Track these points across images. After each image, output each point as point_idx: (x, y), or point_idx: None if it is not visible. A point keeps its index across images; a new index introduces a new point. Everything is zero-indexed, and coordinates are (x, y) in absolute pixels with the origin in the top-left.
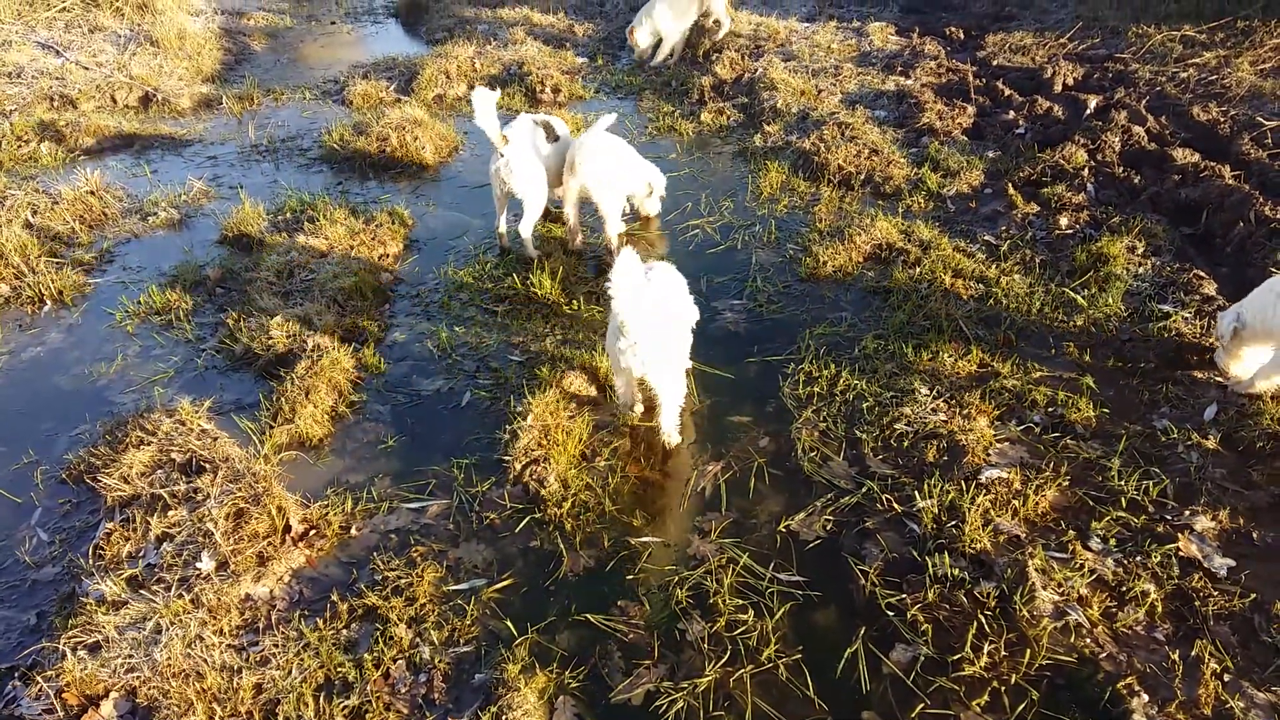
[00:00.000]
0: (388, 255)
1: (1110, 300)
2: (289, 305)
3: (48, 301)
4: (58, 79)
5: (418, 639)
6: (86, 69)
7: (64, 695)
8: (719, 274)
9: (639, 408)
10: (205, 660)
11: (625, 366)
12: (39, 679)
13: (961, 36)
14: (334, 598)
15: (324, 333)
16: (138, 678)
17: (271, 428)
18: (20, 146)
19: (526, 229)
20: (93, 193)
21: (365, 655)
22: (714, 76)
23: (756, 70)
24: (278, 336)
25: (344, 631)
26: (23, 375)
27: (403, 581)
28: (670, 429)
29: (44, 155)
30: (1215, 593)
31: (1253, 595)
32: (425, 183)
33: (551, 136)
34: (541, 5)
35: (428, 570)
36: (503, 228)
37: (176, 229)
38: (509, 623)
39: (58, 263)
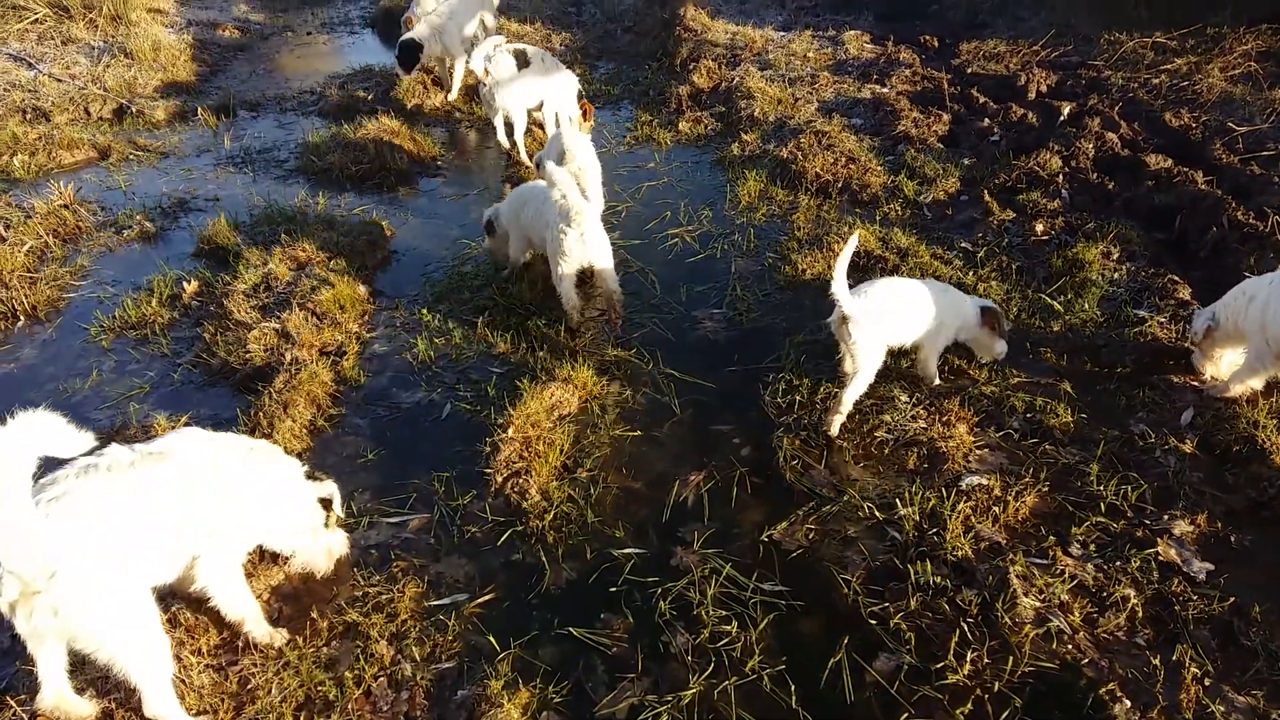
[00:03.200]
0: (366, 266)
1: (1086, 305)
2: (266, 318)
3: (21, 317)
4: (30, 91)
5: (399, 656)
6: (60, 81)
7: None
8: (698, 283)
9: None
10: (184, 680)
11: (577, 258)
12: (13, 703)
13: (936, 45)
14: (314, 614)
15: (302, 346)
16: (114, 699)
17: None
18: None
19: (519, 137)
20: (66, 206)
21: (346, 673)
22: (691, 85)
23: (734, 79)
24: (255, 350)
25: (324, 649)
26: None
27: (383, 597)
28: (618, 296)
29: (17, 168)
30: (1195, 597)
31: (1231, 599)
32: (404, 193)
33: (523, 62)
34: (519, 15)
35: (409, 585)
36: (502, 138)
37: (152, 242)
38: (491, 638)
39: (31, 277)
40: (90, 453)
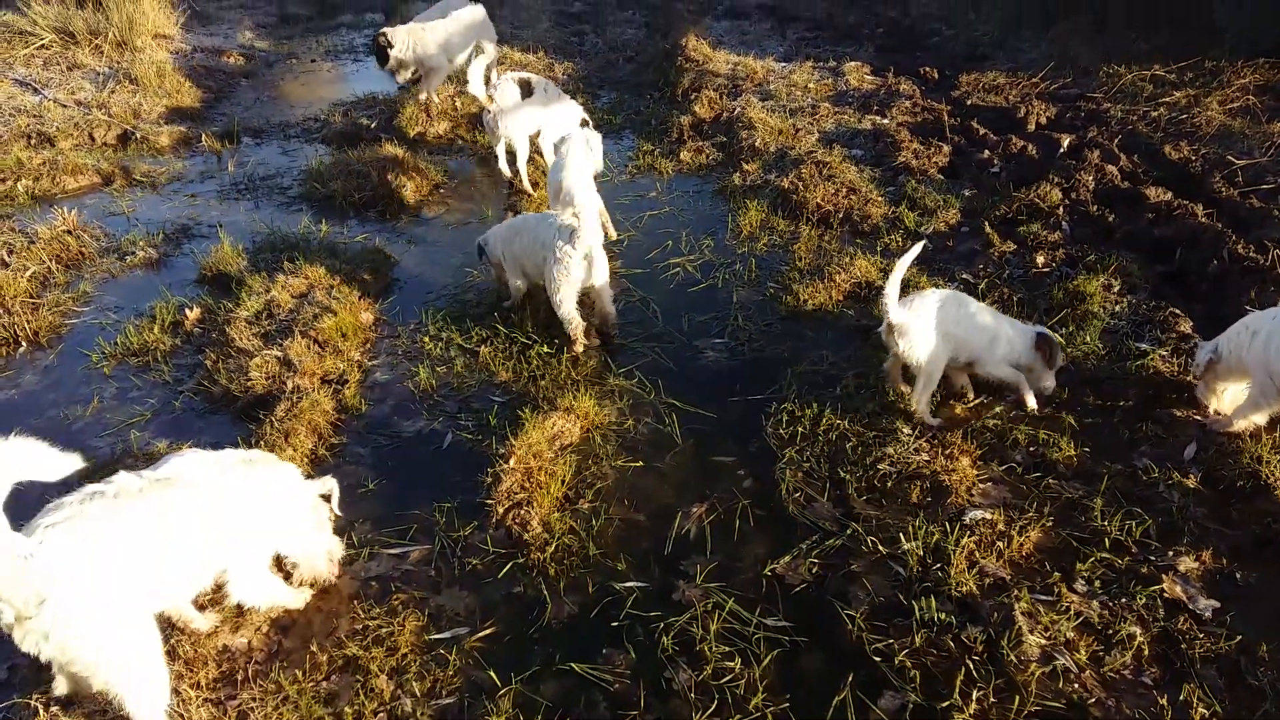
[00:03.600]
0: (368, 294)
1: (1088, 338)
2: (269, 345)
3: (23, 343)
4: (35, 116)
5: (399, 690)
6: (65, 106)
7: None
8: (700, 312)
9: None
10: (182, 715)
11: (578, 277)
12: None
13: (936, 76)
14: (313, 648)
15: (304, 374)
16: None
17: None
18: None
19: (521, 165)
20: (69, 232)
21: (346, 708)
22: (693, 115)
23: (735, 109)
24: (257, 378)
25: (324, 683)
26: None
27: (384, 631)
28: (613, 315)
29: (20, 193)
30: (1201, 635)
31: (1239, 637)
32: (406, 221)
33: (526, 92)
34: (522, 45)
35: (409, 619)
36: (504, 166)
37: (155, 268)
38: (492, 673)
39: (34, 303)
40: (92, 478)
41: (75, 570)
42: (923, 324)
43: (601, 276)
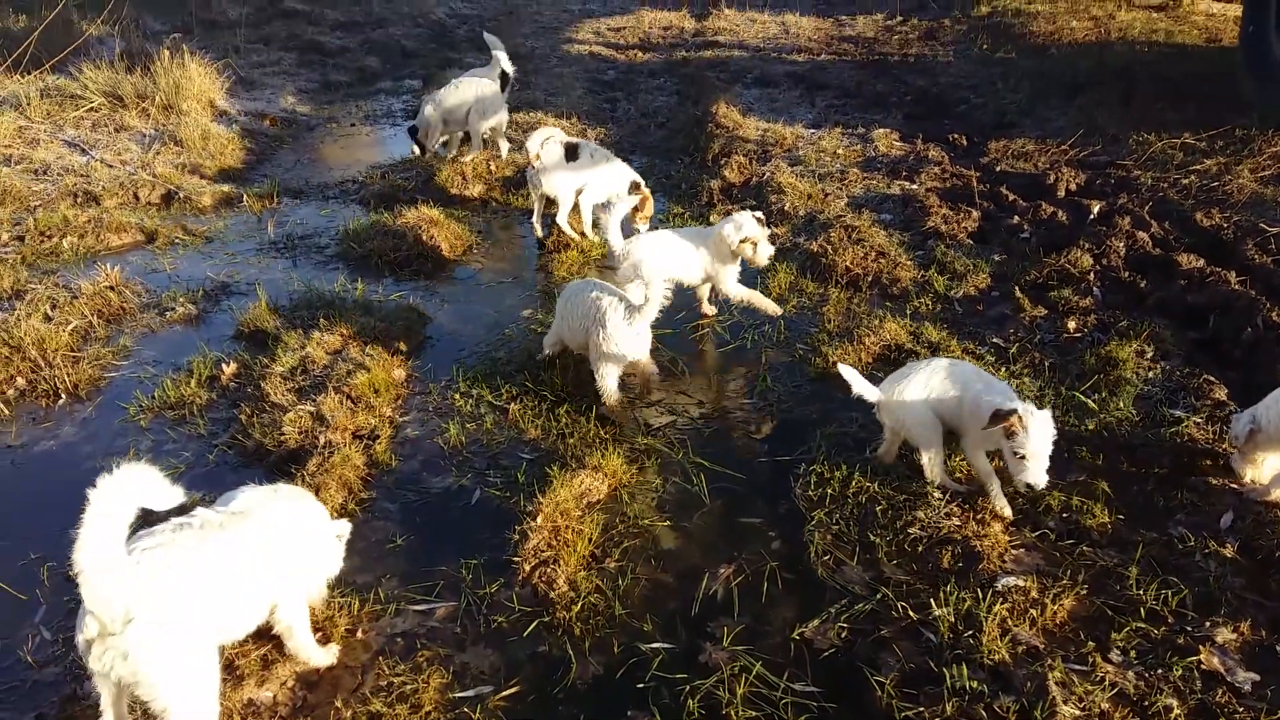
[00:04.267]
0: (401, 351)
1: (1121, 404)
2: (302, 401)
3: (63, 395)
4: (82, 176)
5: None
6: (111, 166)
7: None
8: (728, 373)
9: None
10: None
11: (624, 353)
12: None
13: (964, 143)
14: (338, 703)
15: (336, 429)
16: None
17: None
18: (43, 241)
19: (562, 219)
20: (112, 288)
21: None
22: (723, 180)
23: (764, 174)
24: (290, 432)
25: None
26: (34, 469)
27: (408, 688)
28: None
29: (66, 250)
30: (1240, 709)
31: (1279, 712)
32: (440, 280)
33: (572, 155)
34: (555, 110)
35: (434, 676)
36: (538, 226)
37: (193, 324)
38: None
39: (75, 356)
40: (180, 512)
41: (164, 594)
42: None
43: (647, 350)
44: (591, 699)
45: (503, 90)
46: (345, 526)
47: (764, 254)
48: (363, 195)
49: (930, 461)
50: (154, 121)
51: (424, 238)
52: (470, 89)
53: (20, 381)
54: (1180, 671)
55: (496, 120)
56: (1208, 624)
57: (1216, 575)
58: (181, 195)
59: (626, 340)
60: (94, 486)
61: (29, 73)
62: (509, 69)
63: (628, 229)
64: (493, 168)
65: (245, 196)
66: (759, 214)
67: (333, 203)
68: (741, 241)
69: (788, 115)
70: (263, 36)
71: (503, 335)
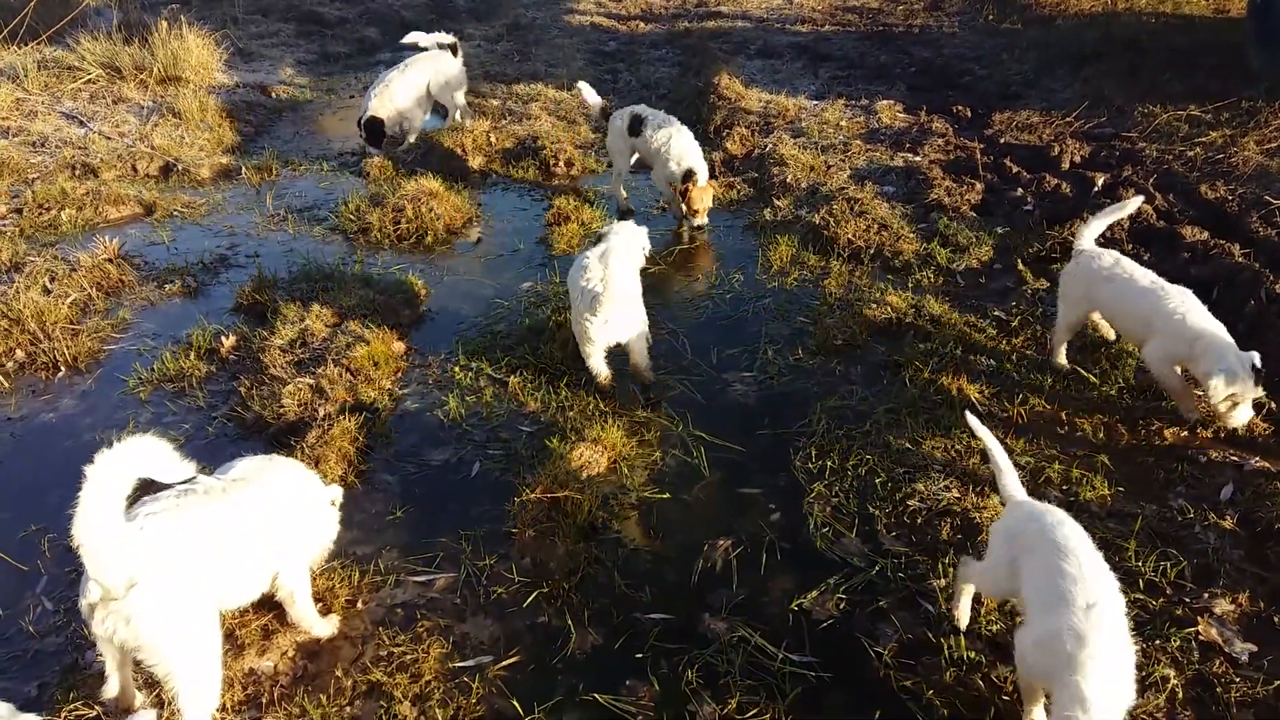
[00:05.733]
0: (401, 324)
1: (1123, 377)
2: (301, 373)
3: (62, 367)
4: (80, 148)
5: (422, 717)
6: (109, 139)
7: None
8: (729, 346)
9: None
10: None
11: (602, 342)
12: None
13: (969, 115)
14: (338, 673)
15: (335, 401)
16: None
17: None
18: (41, 213)
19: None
20: (111, 260)
21: None
22: (724, 152)
23: (767, 146)
24: (289, 405)
25: (347, 708)
26: (34, 442)
27: (408, 657)
28: (645, 368)
29: (64, 222)
30: (1237, 679)
31: (1276, 683)
32: (439, 253)
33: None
34: (556, 82)
35: (433, 646)
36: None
37: (192, 297)
38: (515, 702)
39: (73, 329)
40: (185, 482)
41: (167, 559)
42: None
43: (628, 335)
44: (590, 669)
45: (454, 56)
46: (337, 491)
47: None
48: (362, 168)
49: None
50: (152, 93)
51: (424, 210)
52: (427, 66)
53: (20, 354)
54: (1178, 642)
55: (463, 90)
56: (1206, 595)
57: (1215, 547)
58: (180, 168)
59: (593, 325)
60: (92, 460)
61: (26, 44)
62: (447, 39)
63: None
64: (493, 140)
65: (244, 169)
66: None
67: (332, 175)
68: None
69: (790, 87)
70: (261, 7)
71: (503, 308)
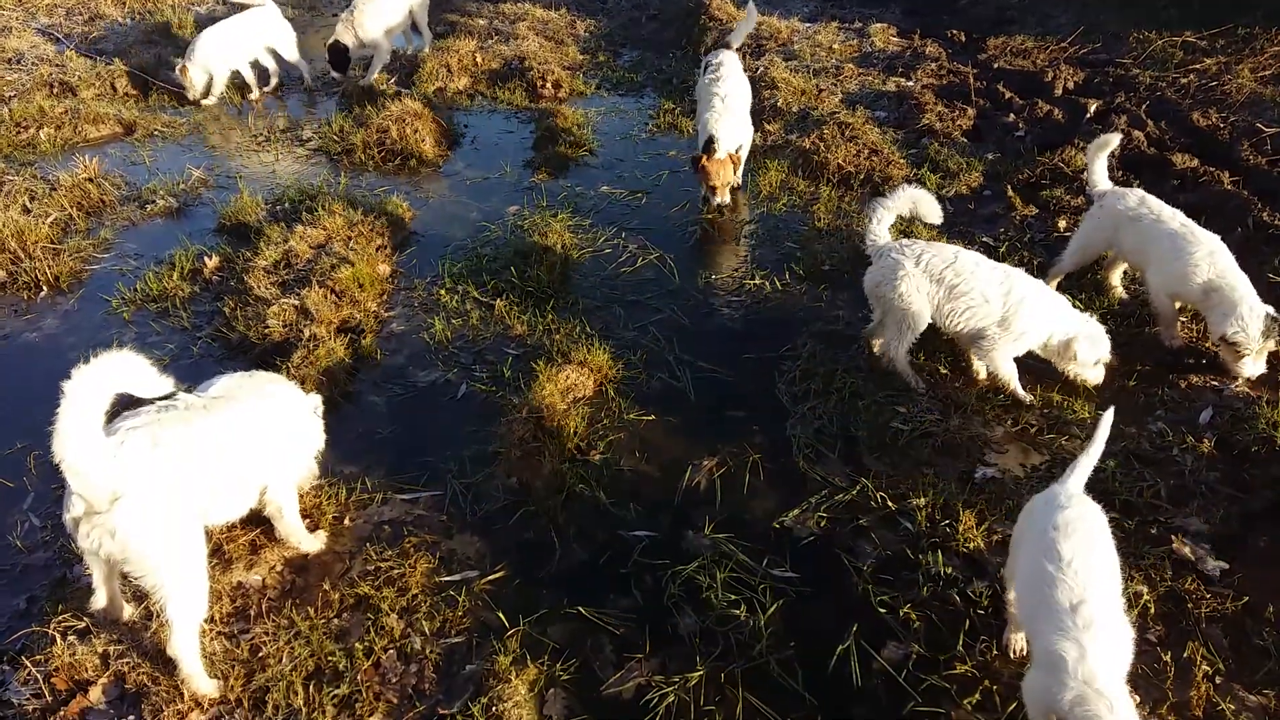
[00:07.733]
0: (386, 246)
1: (1107, 303)
2: (286, 294)
3: (44, 287)
4: (58, 65)
5: (409, 629)
6: (87, 57)
7: (53, 680)
8: (716, 270)
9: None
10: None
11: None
12: (28, 663)
13: (963, 39)
14: (326, 587)
15: (320, 323)
16: (126, 663)
17: None
18: (19, 132)
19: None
20: (91, 180)
21: (356, 644)
22: None
23: (757, 69)
24: (274, 325)
25: (335, 620)
26: (17, 361)
27: (395, 572)
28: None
29: (43, 141)
30: (1207, 595)
31: (1245, 599)
32: (424, 175)
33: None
34: (544, 1)
35: (420, 561)
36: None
37: (175, 217)
38: (501, 614)
39: (55, 249)
40: (165, 398)
41: (150, 472)
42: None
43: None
44: (575, 583)
45: None
46: (317, 399)
47: None
48: (345, 88)
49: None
50: (129, 9)
51: (408, 132)
52: None
53: (0, 274)
54: (1151, 560)
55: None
56: (1181, 515)
57: (1192, 469)
58: (160, 86)
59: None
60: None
61: None
62: None
63: None
64: (479, 60)
65: (225, 88)
66: None
67: (315, 95)
68: None
69: (783, 8)
70: None
71: (489, 232)
